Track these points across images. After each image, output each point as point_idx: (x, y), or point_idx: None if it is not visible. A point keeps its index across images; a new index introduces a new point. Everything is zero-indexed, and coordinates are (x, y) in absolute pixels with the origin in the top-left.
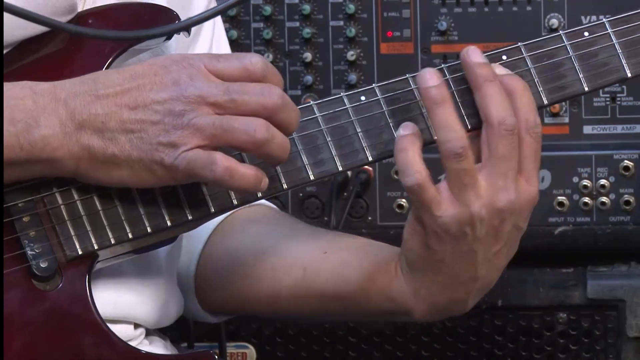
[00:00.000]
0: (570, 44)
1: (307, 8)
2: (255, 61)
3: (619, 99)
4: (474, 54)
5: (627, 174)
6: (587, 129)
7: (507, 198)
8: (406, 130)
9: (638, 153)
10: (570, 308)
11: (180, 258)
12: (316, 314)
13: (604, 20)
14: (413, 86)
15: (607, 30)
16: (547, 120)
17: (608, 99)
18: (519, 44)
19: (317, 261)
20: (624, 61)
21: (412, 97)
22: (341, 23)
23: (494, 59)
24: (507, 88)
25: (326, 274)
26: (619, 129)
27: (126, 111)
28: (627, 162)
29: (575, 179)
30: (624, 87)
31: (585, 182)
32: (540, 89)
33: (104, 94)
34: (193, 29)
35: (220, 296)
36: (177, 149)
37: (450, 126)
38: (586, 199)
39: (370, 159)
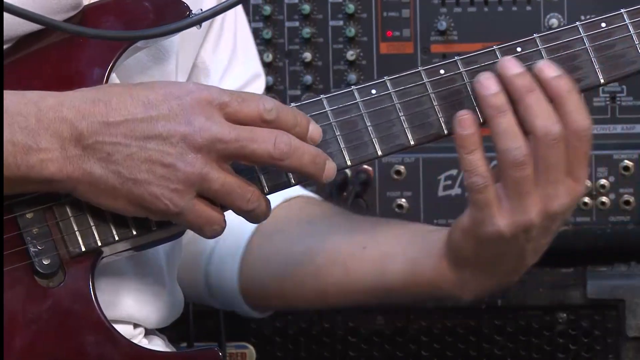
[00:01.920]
0: (587, 35)
1: (306, 8)
2: (269, 107)
3: (618, 98)
4: (510, 66)
5: (627, 173)
6: None
7: (559, 203)
8: (469, 128)
9: (638, 153)
10: (570, 308)
11: (223, 259)
12: (364, 304)
13: (622, 11)
14: (425, 80)
15: (625, 21)
16: None
17: (608, 99)
18: (535, 35)
19: (357, 257)
20: None
21: (423, 91)
22: (341, 23)
23: (507, 51)
24: (552, 93)
25: (368, 269)
26: (618, 128)
27: (134, 146)
28: (627, 162)
29: None
30: (624, 86)
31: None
32: None
33: (114, 121)
34: (215, 32)
35: (266, 295)
36: (182, 198)
37: (513, 134)
38: (586, 199)
39: (379, 153)
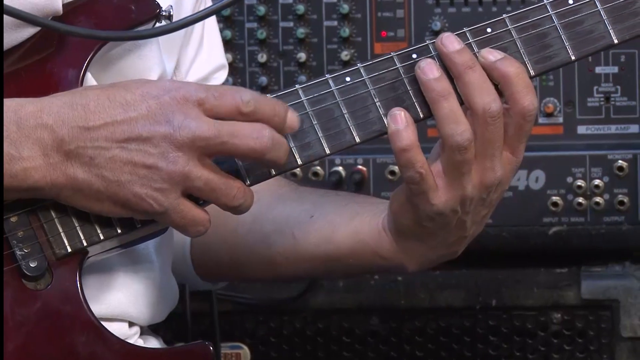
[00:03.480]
0: (555, 13)
1: (301, 8)
2: (246, 100)
3: (613, 99)
4: (449, 42)
5: (621, 174)
6: (582, 129)
7: (494, 176)
8: (400, 123)
9: (632, 153)
10: (565, 308)
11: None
12: (311, 275)
13: None
14: (398, 65)
15: None
16: (541, 120)
17: (602, 99)
18: (504, 15)
19: (305, 226)
20: (609, 27)
21: (397, 76)
22: (335, 23)
23: (478, 32)
24: (498, 75)
25: (315, 238)
26: (613, 129)
27: (116, 148)
28: (621, 162)
29: (570, 179)
30: (618, 87)
31: (580, 182)
32: (526, 60)
33: (94, 125)
34: (189, 29)
35: (219, 265)
36: (166, 197)
37: (457, 119)
38: (580, 199)
39: (357, 140)
